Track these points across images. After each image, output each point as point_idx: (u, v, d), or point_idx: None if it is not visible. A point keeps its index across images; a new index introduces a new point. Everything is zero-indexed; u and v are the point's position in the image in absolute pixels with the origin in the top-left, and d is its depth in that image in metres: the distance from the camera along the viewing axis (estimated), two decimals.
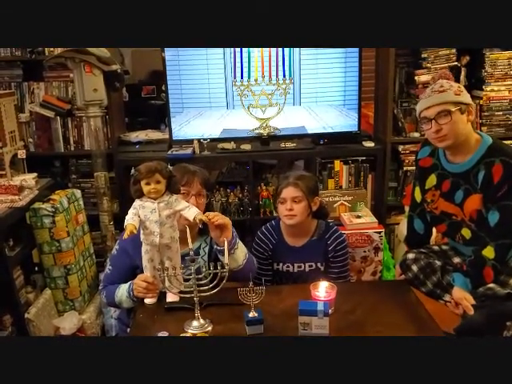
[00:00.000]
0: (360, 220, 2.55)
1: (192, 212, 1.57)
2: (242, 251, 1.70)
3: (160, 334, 1.44)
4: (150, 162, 1.57)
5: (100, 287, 1.84)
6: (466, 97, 1.64)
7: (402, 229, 2.79)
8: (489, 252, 1.61)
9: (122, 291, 1.69)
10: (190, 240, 1.48)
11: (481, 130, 2.67)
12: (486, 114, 2.71)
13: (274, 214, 2.78)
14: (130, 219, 1.53)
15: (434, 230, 1.97)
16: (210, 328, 1.47)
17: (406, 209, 2.79)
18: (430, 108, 1.63)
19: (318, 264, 1.93)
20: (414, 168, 2.79)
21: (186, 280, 1.53)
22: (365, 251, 2.52)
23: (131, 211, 1.56)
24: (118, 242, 1.81)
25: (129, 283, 1.67)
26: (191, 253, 1.47)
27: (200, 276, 1.50)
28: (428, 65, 2.67)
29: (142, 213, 1.56)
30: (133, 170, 1.58)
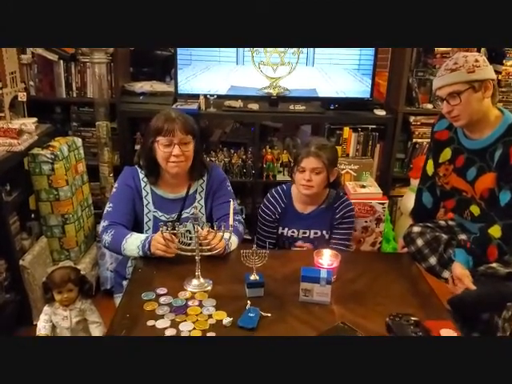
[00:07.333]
0: (364, 190, 2.50)
1: (97, 331, 1.68)
2: (234, 243, 1.65)
3: (159, 291, 1.42)
4: (63, 268, 1.67)
5: (104, 224, 1.67)
6: (481, 72, 1.53)
7: (406, 202, 2.76)
8: (495, 231, 1.58)
9: (134, 240, 1.58)
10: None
11: None
12: (503, 89, 2.63)
13: (277, 178, 2.73)
14: (42, 328, 1.66)
15: None
16: (209, 288, 1.45)
17: (412, 182, 2.75)
18: (441, 88, 1.58)
19: (324, 232, 1.90)
20: (423, 140, 2.76)
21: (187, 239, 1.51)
22: (366, 221, 2.49)
23: (43, 318, 1.68)
24: (117, 181, 1.78)
25: (145, 236, 1.60)
26: (194, 210, 1.44)
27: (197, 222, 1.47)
28: None
29: (54, 319, 1.66)
30: (44, 278, 1.67)
